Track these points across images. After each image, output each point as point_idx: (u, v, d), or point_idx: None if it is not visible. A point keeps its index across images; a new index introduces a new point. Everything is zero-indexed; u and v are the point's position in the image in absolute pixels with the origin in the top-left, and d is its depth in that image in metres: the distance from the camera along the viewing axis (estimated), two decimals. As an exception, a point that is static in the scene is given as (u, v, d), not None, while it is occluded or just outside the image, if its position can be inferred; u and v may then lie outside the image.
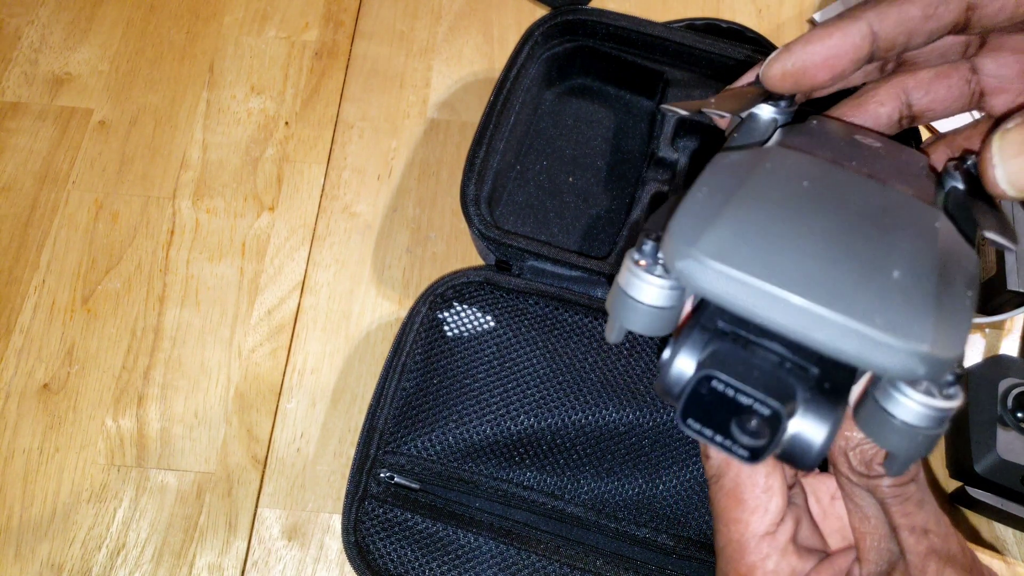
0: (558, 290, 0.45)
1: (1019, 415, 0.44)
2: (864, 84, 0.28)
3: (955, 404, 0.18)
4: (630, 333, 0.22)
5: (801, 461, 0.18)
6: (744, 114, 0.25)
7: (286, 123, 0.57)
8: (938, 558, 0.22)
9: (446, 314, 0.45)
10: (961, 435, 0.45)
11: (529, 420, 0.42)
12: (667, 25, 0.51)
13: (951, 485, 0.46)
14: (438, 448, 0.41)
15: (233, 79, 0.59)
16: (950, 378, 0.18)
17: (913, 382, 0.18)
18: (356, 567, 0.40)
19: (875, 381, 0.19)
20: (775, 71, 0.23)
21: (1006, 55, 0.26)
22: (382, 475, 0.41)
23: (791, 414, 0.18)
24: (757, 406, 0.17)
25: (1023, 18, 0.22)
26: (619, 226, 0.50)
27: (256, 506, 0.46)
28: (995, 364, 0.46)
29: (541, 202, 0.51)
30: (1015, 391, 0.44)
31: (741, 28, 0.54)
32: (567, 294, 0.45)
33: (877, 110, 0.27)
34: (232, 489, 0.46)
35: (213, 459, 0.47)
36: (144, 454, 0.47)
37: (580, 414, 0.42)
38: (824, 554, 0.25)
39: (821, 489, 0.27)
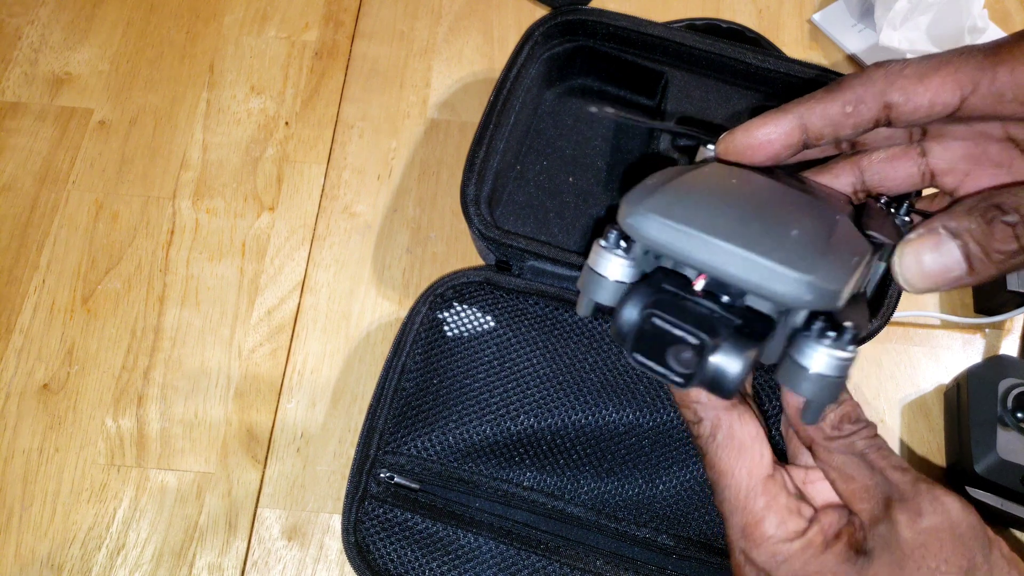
0: (558, 290, 0.45)
1: (1019, 415, 0.44)
2: (832, 156, 0.32)
3: (852, 355, 0.23)
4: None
5: (722, 388, 0.22)
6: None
7: (286, 123, 0.57)
8: (924, 483, 0.26)
9: (446, 314, 0.45)
10: (961, 435, 0.45)
11: (529, 420, 0.42)
12: (667, 25, 0.51)
13: (951, 485, 0.46)
14: (438, 448, 0.41)
15: (233, 79, 0.59)
16: (848, 335, 0.23)
17: (819, 337, 0.23)
18: (356, 567, 0.40)
19: (791, 341, 0.24)
20: (722, 148, 0.29)
21: (948, 141, 0.29)
22: (382, 475, 0.41)
23: (715, 348, 0.22)
24: (688, 338, 0.22)
25: (939, 116, 0.26)
26: (619, 226, 0.50)
27: (256, 506, 0.46)
28: (995, 364, 0.46)
29: (541, 202, 0.51)
30: (1015, 391, 0.44)
31: (741, 28, 0.54)
32: (567, 294, 0.45)
33: (833, 181, 0.31)
34: (232, 489, 0.46)
35: (213, 459, 0.47)
36: (144, 454, 0.47)
37: (580, 414, 0.42)
38: (814, 509, 0.28)
39: (790, 483, 0.29)
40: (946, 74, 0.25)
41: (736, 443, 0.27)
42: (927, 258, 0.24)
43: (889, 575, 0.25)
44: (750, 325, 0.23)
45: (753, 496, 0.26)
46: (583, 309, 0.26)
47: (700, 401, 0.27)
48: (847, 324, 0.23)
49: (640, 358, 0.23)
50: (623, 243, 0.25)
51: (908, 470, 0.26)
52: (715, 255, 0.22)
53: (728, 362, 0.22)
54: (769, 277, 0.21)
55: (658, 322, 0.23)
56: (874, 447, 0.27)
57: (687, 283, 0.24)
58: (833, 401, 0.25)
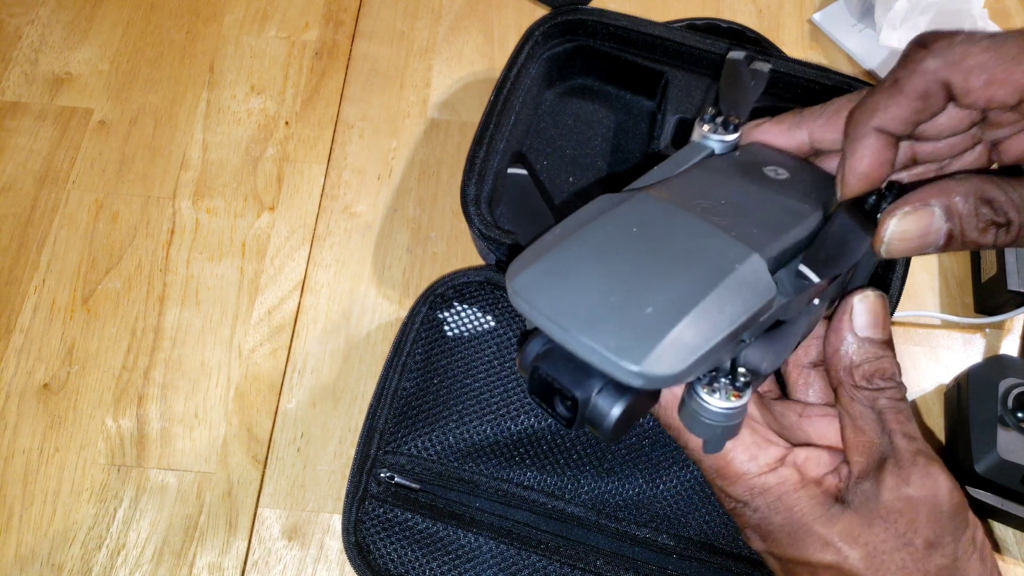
0: (558, 290, 0.45)
1: (1019, 415, 0.44)
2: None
3: (737, 406, 0.25)
4: None
5: (602, 431, 0.24)
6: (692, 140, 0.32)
7: (286, 123, 0.57)
8: (924, 456, 0.27)
9: (446, 314, 0.45)
10: (961, 435, 0.45)
11: (529, 420, 0.42)
12: (667, 25, 0.51)
13: (951, 485, 0.46)
14: (438, 448, 0.41)
15: (233, 79, 0.59)
16: (740, 382, 0.25)
17: (711, 389, 0.25)
18: (356, 567, 0.40)
19: (687, 389, 0.26)
20: (845, 191, 0.28)
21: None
22: (382, 475, 0.41)
23: (587, 402, 0.24)
24: (565, 391, 0.25)
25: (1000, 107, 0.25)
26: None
27: (256, 506, 0.46)
28: (995, 364, 0.46)
29: (541, 202, 0.51)
30: (1015, 391, 0.44)
31: (741, 28, 0.54)
32: (567, 294, 0.45)
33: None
34: (232, 489, 0.46)
35: (213, 459, 0.47)
36: (144, 454, 0.47)
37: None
38: (789, 445, 0.29)
39: (788, 414, 0.30)
40: (1014, 71, 0.23)
41: None
42: (913, 227, 0.25)
43: (856, 528, 0.26)
44: None
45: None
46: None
47: None
48: (740, 371, 0.26)
49: (536, 399, 0.26)
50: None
51: (916, 439, 0.27)
52: (565, 337, 0.24)
53: (603, 412, 0.24)
54: (603, 362, 0.23)
55: (543, 374, 0.25)
56: (894, 409, 0.28)
57: None
58: (732, 437, 0.27)
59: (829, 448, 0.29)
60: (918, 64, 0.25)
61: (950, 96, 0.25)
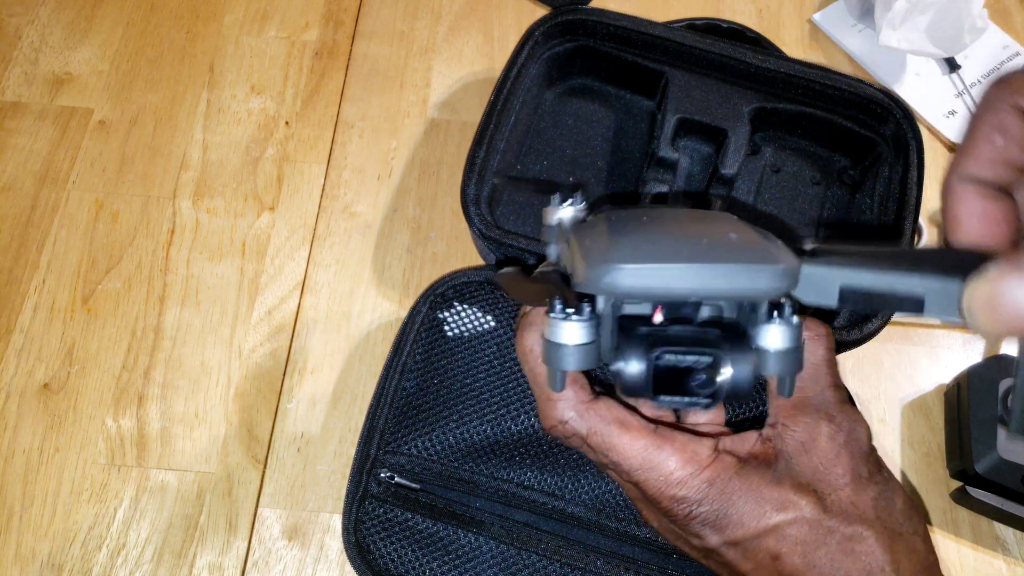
0: (558, 290, 0.45)
1: (1019, 415, 0.43)
2: None
3: (798, 321, 0.25)
4: None
5: (741, 391, 0.24)
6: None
7: (286, 123, 0.57)
8: (849, 404, 0.30)
9: (446, 314, 0.45)
10: (962, 435, 0.45)
11: (529, 420, 0.42)
12: (668, 25, 0.51)
13: (952, 485, 0.46)
14: (438, 448, 0.41)
15: (233, 79, 0.59)
16: (787, 308, 0.25)
17: (767, 320, 0.25)
18: (356, 567, 0.40)
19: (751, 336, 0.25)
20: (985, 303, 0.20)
21: None
22: (382, 475, 0.41)
23: (723, 358, 0.24)
24: (702, 359, 0.24)
25: None
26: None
27: (256, 506, 0.46)
28: (995, 364, 0.46)
29: (541, 202, 0.51)
30: (1015, 391, 0.44)
31: (741, 28, 0.54)
32: (567, 294, 0.45)
33: None
34: (232, 489, 0.46)
35: (213, 459, 0.47)
36: (144, 454, 0.47)
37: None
38: (712, 437, 0.30)
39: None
40: None
41: (616, 423, 0.29)
42: (1014, 294, 0.18)
43: (802, 478, 0.28)
44: (729, 335, 0.25)
45: (652, 451, 0.29)
46: (557, 385, 0.27)
47: (565, 419, 0.29)
48: (783, 300, 0.25)
49: (666, 398, 0.25)
50: (574, 309, 0.25)
51: (841, 387, 0.30)
52: (698, 278, 0.22)
53: (739, 367, 0.24)
54: (751, 279, 0.22)
55: (670, 358, 0.24)
56: (828, 361, 0.30)
57: (648, 321, 0.26)
58: (800, 369, 0.26)
59: (747, 433, 0.31)
60: (985, 100, 0.23)
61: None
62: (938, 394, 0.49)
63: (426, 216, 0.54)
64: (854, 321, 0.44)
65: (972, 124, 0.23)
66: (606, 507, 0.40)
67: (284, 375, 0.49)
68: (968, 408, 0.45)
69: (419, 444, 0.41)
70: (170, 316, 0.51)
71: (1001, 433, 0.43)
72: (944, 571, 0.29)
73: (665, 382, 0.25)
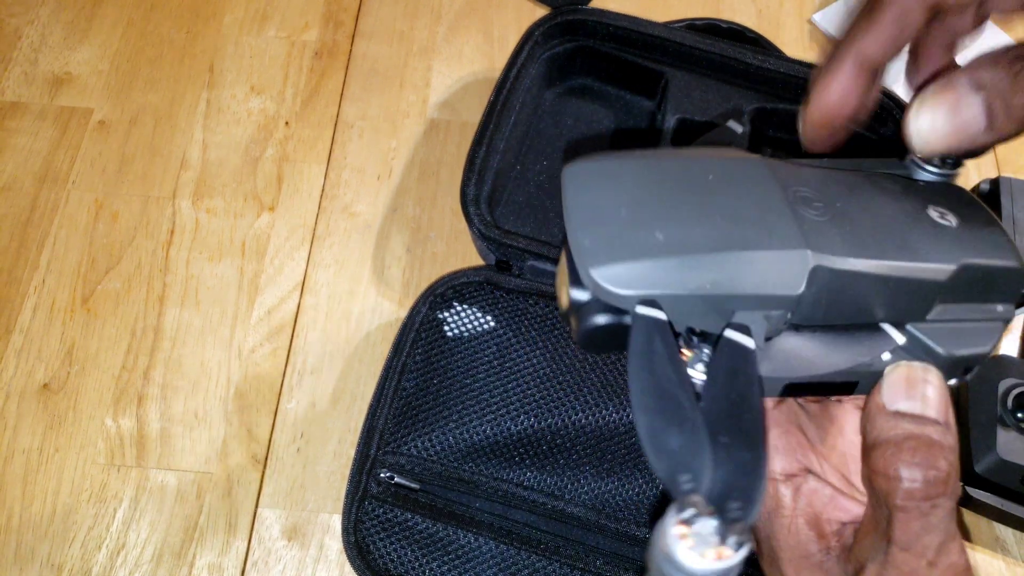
0: (558, 290, 0.45)
1: (1019, 415, 0.43)
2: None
3: (726, 566, 0.18)
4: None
5: (575, 332, 0.23)
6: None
7: (286, 123, 0.57)
8: None
9: (446, 314, 0.45)
10: (961, 435, 0.45)
11: (529, 420, 0.42)
12: (667, 25, 0.51)
13: (951, 485, 0.46)
14: (438, 448, 0.41)
15: (233, 79, 0.59)
16: (732, 539, 0.18)
17: (690, 539, 0.18)
18: (356, 567, 0.40)
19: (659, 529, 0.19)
20: (808, 129, 0.26)
21: None
22: (382, 475, 0.41)
23: (581, 302, 0.23)
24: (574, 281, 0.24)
25: None
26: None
27: (256, 506, 0.46)
28: (995, 364, 0.46)
29: (541, 202, 0.51)
30: (1015, 391, 0.44)
31: (741, 28, 0.54)
32: (567, 294, 0.45)
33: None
34: (232, 489, 0.46)
35: (213, 459, 0.47)
36: (144, 454, 0.47)
37: (580, 414, 0.42)
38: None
39: (848, 424, 0.27)
40: None
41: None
42: (945, 112, 0.22)
43: None
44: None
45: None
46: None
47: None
48: (732, 507, 0.19)
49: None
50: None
51: (923, 556, 0.22)
52: (567, 226, 0.23)
53: (585, 315, 0.23)
54: (576, 255, 0.23)
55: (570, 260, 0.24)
56: (911, 510, 0.22)
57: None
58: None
59: (844, 493, 0.26)
60: None
61: (929, 8, 0.24)
62: (938, 394, 0.49)
63: (426, 216, 0.54)
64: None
65: (880, 6, 0.24)
66: (606, 507, 0.40)
67: (284, 375, 0.49)
68: (968, 408, 0.45)
69: (419, 444, 0.41)
70: (170, 316, 0.51)
71: (1001, 433, 0.43)
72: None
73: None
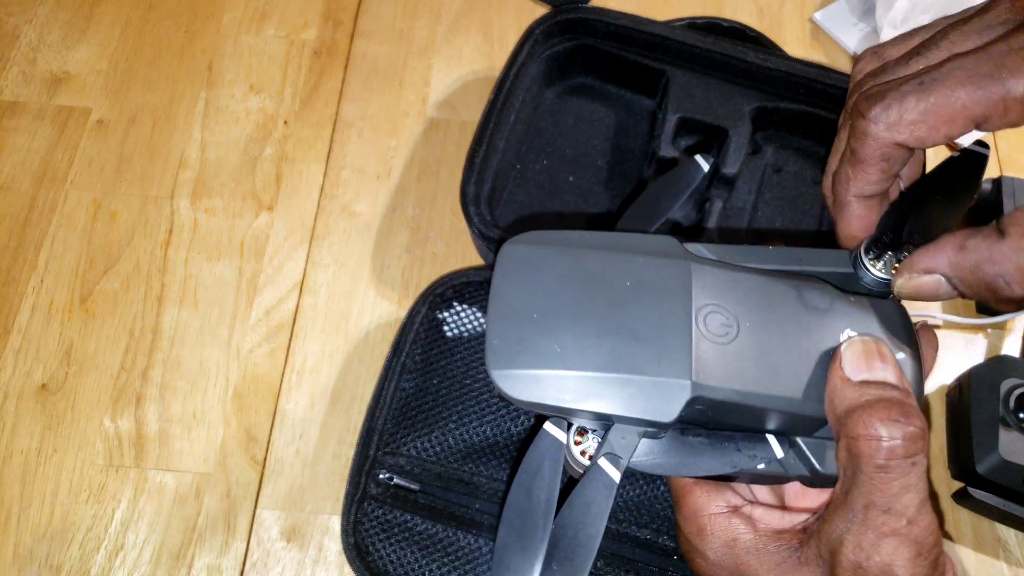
0: (558, 290, 0.44)
1: (1021, 416, 0.43)
2: None
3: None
4: None
5: None
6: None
7: (285, 122, 0.57)
8: (896, 538, 0.24)
9: (446, 314, 0.45)
10: (963, 436, 0.45)
11: (529, 420, 0.41)
12: (668, 24, 0.51)
13: (953, 486, 0.46)
14: (438, 449, 0.41)
15: (232, 78, 0.59)
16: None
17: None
18: (355, 568, 0.39)
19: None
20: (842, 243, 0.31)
21: None
22: (381, 476, 0.41)
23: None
24: None
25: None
26: (619, 226, 0.50)
27: (255, 507, 0.45)
28: (997, 365, 0.46)
29: (541, 202, 0.51)
30: (1017, 392, 0.44)
31: (742, 27, 0.54)
32: (567, 294, 0.44)
33: None
34: (231, 490, 0.46)
35: (212, 460, 0.47)
36: (142, 455, 0.46)
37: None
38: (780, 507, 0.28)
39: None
40: (954, 113, 0.25)
41: None
42: (924, 294, 0.27)
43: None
44: None
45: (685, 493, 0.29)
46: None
47: None
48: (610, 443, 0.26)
49: None
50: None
51: (892, 512, 0.25)
52: (486, 318, 0.27)
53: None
54: (486, 349, 0.26)
55: None
56: (879, 467, 0.25)
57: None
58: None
59: (787, 508, 0.29)
60: (867, 135, 0.27)
61: (908, 149, 0.27)
62: (940, 394, 0.49)
63: (425, 216, 0.54)
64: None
65: (862, 155, 0.28)
66: (606, 508, 0.40)
67: (283, 376, 0.49)
68: (970, 409, 0.45)
69: (418, 445, 0.41)
70: (168, 316, 0.50)
71: (1003, 434, 0.43)
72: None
73: None
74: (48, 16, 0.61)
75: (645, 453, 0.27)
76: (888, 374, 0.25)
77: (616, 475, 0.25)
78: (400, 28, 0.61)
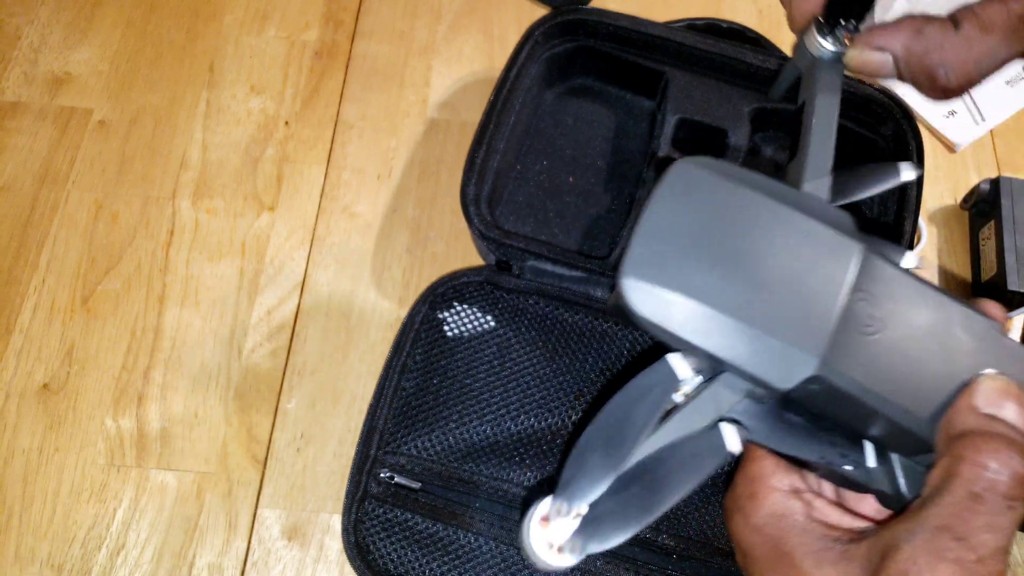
0: (558, 290, 0.45)
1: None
2: None
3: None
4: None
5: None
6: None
7: (286, 123, 0.57)
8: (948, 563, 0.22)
9: (446, 314, 0.45)
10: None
11: (529, 420, 0.42)
12: (668, 25, 0.51)
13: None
14: (438, 448, 0.41)
15: (233, 79, 0.59)
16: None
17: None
18: (356, 567, 0.40)
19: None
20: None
21: None
22: (382, 475, 0.41)
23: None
24: None
25: None
26: (619, 226, 0.50)
27: (256, 506, 0.46)
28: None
29: (541, 202, 0.51)
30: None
31: (742, 28, 0.54)
32: (567, 294, 0.45)
33: None
34: (232, 489, 0.46)
35: (213, 459, 0.47)
36: (144, 454, 0.47)
37: (580, 414, 0.42)
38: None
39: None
40: None
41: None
42: (872, 61, 0.30)
43: None
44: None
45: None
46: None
47: None
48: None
49: None
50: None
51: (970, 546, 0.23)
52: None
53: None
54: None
55: None
56: (965, 497, 0.23)
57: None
58: None
59: (847, 509, 0.27)
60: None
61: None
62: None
63: (426, 216, 0.54)
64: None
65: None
66: (606, 507, 0.40)
67: (283, 375, 0.49)
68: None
69: (419, 444, 0.41)
70: (170, 316, 0.51)
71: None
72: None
73: None
74: (49, 17, 0.61)
75: (740, 412, 0.26)
76: (1018, 418, 0.23)
77: (736, 447, 0.25)
78: (400, 29, 0.61)
